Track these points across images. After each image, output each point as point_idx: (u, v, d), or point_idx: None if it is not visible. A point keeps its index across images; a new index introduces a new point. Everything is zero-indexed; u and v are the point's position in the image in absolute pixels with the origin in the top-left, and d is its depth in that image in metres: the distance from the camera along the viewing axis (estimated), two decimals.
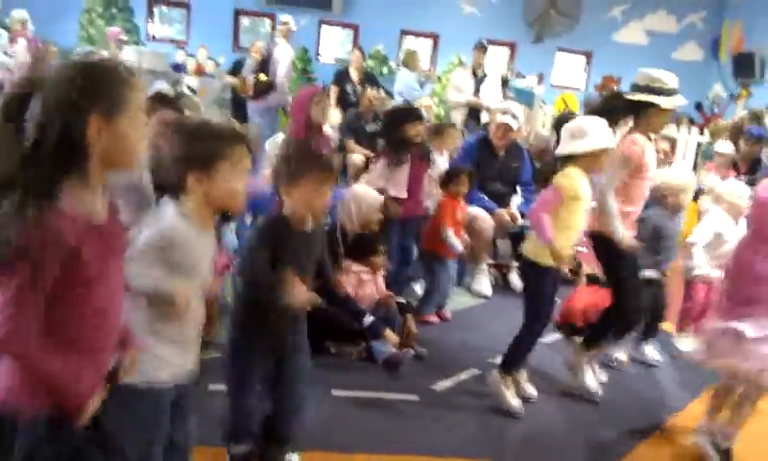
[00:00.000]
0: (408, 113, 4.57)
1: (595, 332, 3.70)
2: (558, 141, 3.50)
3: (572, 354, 3.76)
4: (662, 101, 3.33)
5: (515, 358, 3.42)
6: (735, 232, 4.12)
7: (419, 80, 8.79)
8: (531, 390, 3.54)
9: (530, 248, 3.27)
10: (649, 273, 3.98)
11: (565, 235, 3.15)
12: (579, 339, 3.83)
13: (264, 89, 6.98)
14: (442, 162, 5.23)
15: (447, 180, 4.63)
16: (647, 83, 3.40)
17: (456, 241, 4.46)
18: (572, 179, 3.12)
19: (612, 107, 3.46)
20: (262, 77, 7.00)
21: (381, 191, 4.29)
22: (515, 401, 3.38)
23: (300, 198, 2.41)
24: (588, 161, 3.12)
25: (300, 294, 2.35)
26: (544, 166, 4.01)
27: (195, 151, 1.86)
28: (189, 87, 8.79)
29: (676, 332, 4.43)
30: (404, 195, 4.38)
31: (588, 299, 4.33)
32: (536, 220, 3.15)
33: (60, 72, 1.39)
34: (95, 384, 1.52)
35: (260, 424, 2.61)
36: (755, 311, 2.92)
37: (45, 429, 1.45)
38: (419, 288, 4.79)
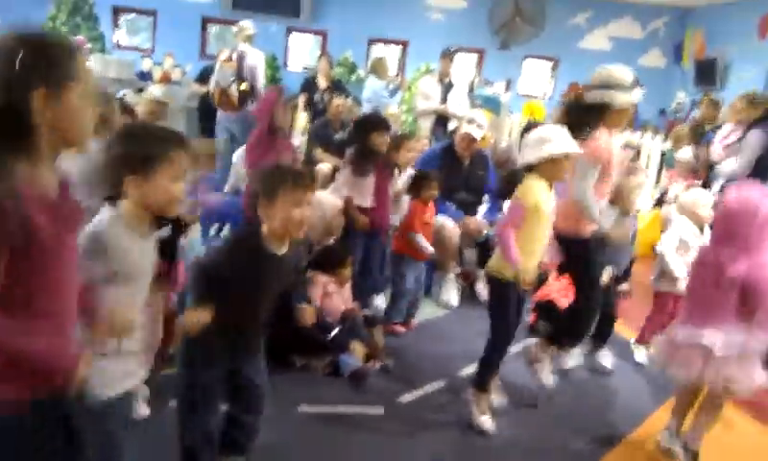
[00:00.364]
0: (376, 123, 4.54)
1: (562, 329, 3.73)
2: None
3: (534, 349, 3.78)
4: (619, 98, 3.38)
5: (485, 375, 3.39)
6: (700, 241, 4.20)
7: (388, 87, 8.80)
8: (500, 400, 3.54)
9: (494, 263, 3.27)
10: (606, 275, 4.01)
11: (529, 248, 3.13)
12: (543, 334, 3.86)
13: (244, 98, 6.91)
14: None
15: (415, 184, 4.59)
16: (603, 81, 3.45)
17: (425, 243, 4.46)
18: (533, 190, 3.10)
19: (577, 117, 3.48)
20: (243, 86, 6.91)
21: (347, 200, 4.30)
22: (484, 419, 3.34)
23: (278, 215, 2.31)
24: (551, 169, 3.10)
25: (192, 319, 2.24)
26: (508, 178, 3.99)
27: (133, 153, 1.85)
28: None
29: (636, 343, 4.45)
30: (368, 204, 4.38)
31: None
32: (501, 238, 3.14)
33: (2, 46, 1.37)
34: (70, 350, 1.51)
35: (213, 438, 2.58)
36: (719, 318, 2.97)
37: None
38: (381, 301, 4.76)
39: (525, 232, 3.11)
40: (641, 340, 4.43)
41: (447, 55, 7.91)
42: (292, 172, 2.44)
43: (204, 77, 8.14)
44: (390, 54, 11.32)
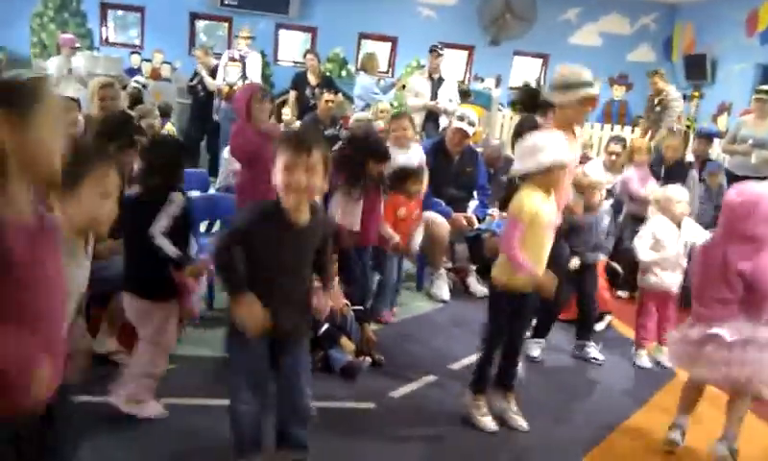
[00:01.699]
0: (375, 151, 4.26)
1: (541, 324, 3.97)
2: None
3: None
4: (565, 96, 3.36)
5: (478, 377, 3.35)
6: (677, 237, 4.23)
7: (378, 84, 8.79)
8: (521, 422, 3.39)
9: (499, 268, 3.19)
10: (572, 263, 4.13)
11: (535, 257, 3.07)
12: None
13: None
14: (412, 156, 4.98)
15: (397, 179, 4.53)
16: (558, 80, 3.44)
17: (389, 231, 4.45)
18: (529, 200, 3.01)
19: (527, 101, 3.52)
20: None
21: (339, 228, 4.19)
22: (486, 420, 3.31)
23: (281, 182, 2.29)
24: (545, 179, 3.02)
25: (253, 317, 2.29)
26: (506, 186, 3.90)
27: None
28: (137, 82, 8.67)
29: (636, 349, 4.43)
30: (356, 227, 4.21)
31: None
32: (511, 259, 3.05)
33: None
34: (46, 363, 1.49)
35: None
36: (728, 312, 3.00)
37: None
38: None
39: (528, 242, 3.04)
40: (639, 345, 4.42)
41: (435, 52, 7.90)
42: (286, 138, 2.41)
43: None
44: (380, 50, 11.30)
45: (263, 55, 11.14)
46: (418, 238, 4.72)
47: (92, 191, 1.81)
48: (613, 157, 6.20)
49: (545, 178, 3.02)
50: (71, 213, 1.80)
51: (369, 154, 4.21)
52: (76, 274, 1.87)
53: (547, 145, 3.00)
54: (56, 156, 1.48)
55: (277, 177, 2.30)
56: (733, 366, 2.96)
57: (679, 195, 4.30)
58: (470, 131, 5.36)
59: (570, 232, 4.13)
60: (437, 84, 7.84)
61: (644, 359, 4.35)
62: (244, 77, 8.17)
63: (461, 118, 5.39)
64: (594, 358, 4.29)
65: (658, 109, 8.06)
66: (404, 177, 4.56)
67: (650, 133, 8.19)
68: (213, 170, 7.57)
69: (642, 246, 4.25)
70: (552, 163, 2.98)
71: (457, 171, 5.47)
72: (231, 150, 4.63)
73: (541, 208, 3.02)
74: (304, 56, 8.91)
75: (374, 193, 4.28)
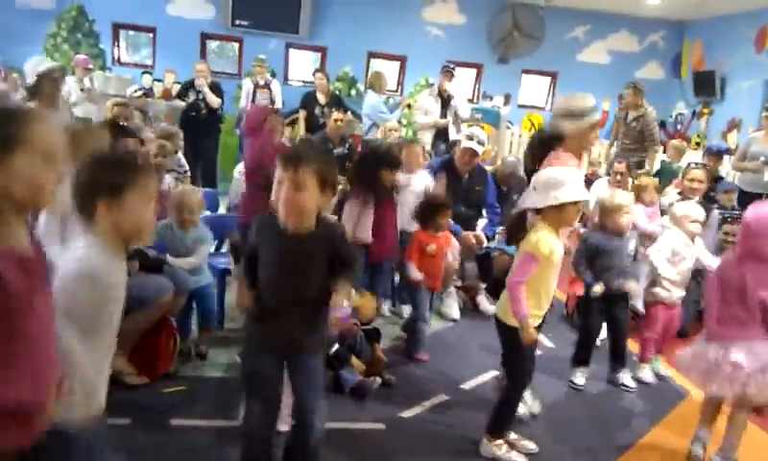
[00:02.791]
0: (386, 159, 4.36)
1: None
2: (532, 161, 3.54)
3: None
4: (568, 126, 3.39)
5: (502, 421, 3.23)
6: (691, 252, 4.23)
7: (387, 103, 8.83)
8: (531, 445, 3.33)
9: (502, 309, 3.13)
10: (596, 289, 4.04)
11: (542, 291, 3.04)
12: None
13: None
14: (416, 181, 5.10)
15: (425, 212, 4.45)
16: (563, 109, 3.49)
17: (415, 273, 4.37)
18: (545, 239, 2.95)
19: (540, 149, 3.51)
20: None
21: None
22: (513, 455, 3.21)
23: (274, 194, 2.41)
24: (558, 215, 2.96)
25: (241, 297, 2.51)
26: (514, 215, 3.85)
27: (104, 178, 1.84)
28: (142, 87, 8.64)
29: (640, 362, 4.41)
30: (368, 239, 4.25)
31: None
32: (512, 292, 2.98)
33: None
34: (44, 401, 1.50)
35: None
36: (746, 334, 3.00)
37: None
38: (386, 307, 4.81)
39: (537, 278, 2.99)
40: (644, 359, 4.40)
41: (447, 72, 7.94)
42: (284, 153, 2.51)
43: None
44: (389, 69, 11.36)
45: (273, 75, 11.26)
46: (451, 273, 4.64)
47: (136, 199, 1.84)
48: (618, 178, 6.22)
49: (560, 214, 2.96)
50: (117, 221, 1.83)
51: (381, 162, 4.29)
52: (120, 267, 1.90)
53: (565, 181, 2.94)
54: (47, 189, 1.48)
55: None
56: (751, 388, 2.97)
57: (696, 214, 4.29)
58: (480, 150, 5.38)
59: (592, 256, 4.08)
60: (446, 102, 7.88)
61: (647, 373, 4.35)
62: (272, 102, 8.80)
63: (470, 137, 5.40)
64: (624, 385, 4.21)
65: (633, 124, 8.03)
66: (432, 209, 4.44)
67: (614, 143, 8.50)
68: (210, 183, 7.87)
69: (660, 259, 4.23)
70: (567, 201, 2.92)
71: (466, 189, 5.48)
72: (248, 156, 4.66)
73: (555, 247, 2.97)
74: (314, 75, 8.97)
75: (388, 205, 4.32)
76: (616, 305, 4.14)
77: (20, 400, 1.43)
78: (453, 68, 8.00)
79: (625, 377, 4.24)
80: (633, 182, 6.32)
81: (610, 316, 4.18)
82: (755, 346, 2.98)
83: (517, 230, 3.12)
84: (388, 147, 4.52)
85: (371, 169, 4.30)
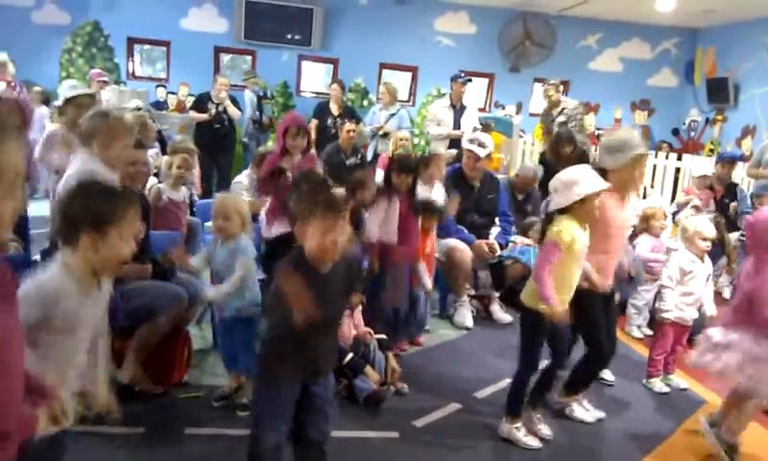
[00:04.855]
0: (396, 163, 4.48)
1: (578, 378, 3.73)
2: (548, 166, 3.60)
3: (556, 399, 3.79)
4: (615, 160, 3.43)
5: (515, 403, 3.46)
6: (701, 271, 4.20)
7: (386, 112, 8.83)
8: (546, 431, 3.51)
9: (529, 296, 3.29)
10: None
11: (565, 282, 3.21)
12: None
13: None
14: (435, 193, 5.10)
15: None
16: (604, 144, 3.60)
17: (426, 278, 4.52)
18: (567, 228, 3.13)
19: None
20: None
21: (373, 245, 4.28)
22: (529, 439, 3.41)
23: (312, 238, 2.35)
24: (582, 209, 3.15)
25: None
26: (543, 220, 3.81)
27: (89, 210, 1.85)
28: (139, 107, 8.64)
29: (648, 379, 4.35)
30: (394, 240, 4.29)
31: None
32: (538, 277, 3.15)
33: None
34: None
35: None
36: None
37: None
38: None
39: (561, 268, 3.16)
40: (651, 376, 4.34)
41: (460, 81, 7.94)
42: (324, 199, 2.44)
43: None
44: (401, 80, 11.40)
45: (286, 86, 11.33)
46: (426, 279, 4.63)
47: (118, 236, 1.86)
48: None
49: (582, 208, 3.14)
50: (96, 250, 1.84)
51: (392, 166, 4.41)
52: (90, 301, 1.91)
53: (581, 178, 3.15)
54: (6, 216, 1.39)
55: (306, 234, 2.37)
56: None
57: (707, 232, 4.21)
58: (481, 152, 5.36)
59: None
60: (459, 112, 7.89)
61: (658, 386, 4.31)
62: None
63: (471, 141, 5.44)
64: (603, 379, 4.22)
65: (560, 118, 7.64)
66: (424, 210, 4.56)
67: (544, 140, 8.21)
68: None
69: (670, 282, 4.20)
70: (587, 194, 3.11)
71: (478, 198, 5.48)
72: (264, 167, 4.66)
73: (578, 237, 3.14)
74: (330, 86, 9.03)
75: (408, 211, 4.34)
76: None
77: None
78: (466, 78, 7.99)
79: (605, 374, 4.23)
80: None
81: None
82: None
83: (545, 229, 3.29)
84: (408, 154, 4.59)
85: (387, 173, 4.45)
